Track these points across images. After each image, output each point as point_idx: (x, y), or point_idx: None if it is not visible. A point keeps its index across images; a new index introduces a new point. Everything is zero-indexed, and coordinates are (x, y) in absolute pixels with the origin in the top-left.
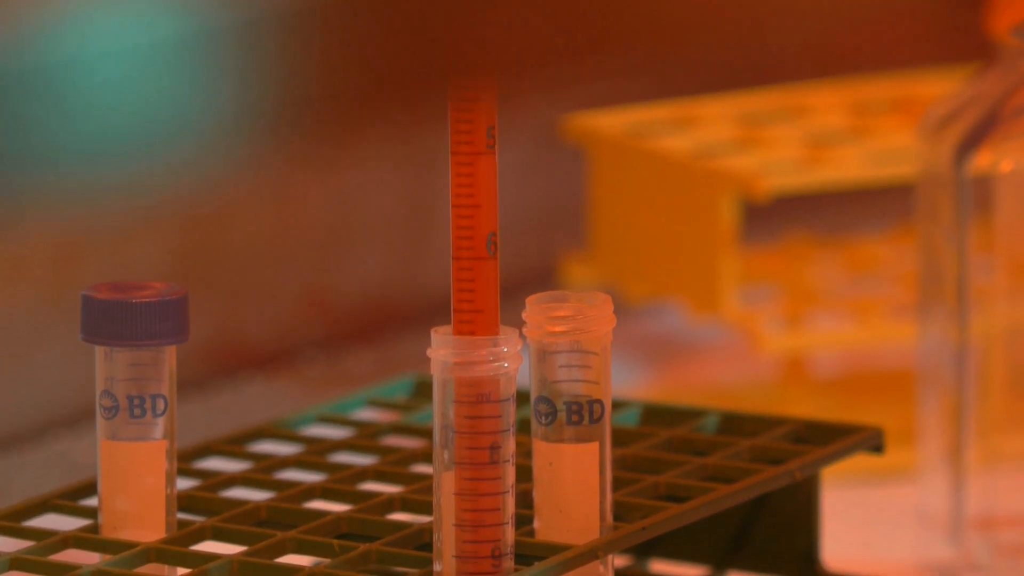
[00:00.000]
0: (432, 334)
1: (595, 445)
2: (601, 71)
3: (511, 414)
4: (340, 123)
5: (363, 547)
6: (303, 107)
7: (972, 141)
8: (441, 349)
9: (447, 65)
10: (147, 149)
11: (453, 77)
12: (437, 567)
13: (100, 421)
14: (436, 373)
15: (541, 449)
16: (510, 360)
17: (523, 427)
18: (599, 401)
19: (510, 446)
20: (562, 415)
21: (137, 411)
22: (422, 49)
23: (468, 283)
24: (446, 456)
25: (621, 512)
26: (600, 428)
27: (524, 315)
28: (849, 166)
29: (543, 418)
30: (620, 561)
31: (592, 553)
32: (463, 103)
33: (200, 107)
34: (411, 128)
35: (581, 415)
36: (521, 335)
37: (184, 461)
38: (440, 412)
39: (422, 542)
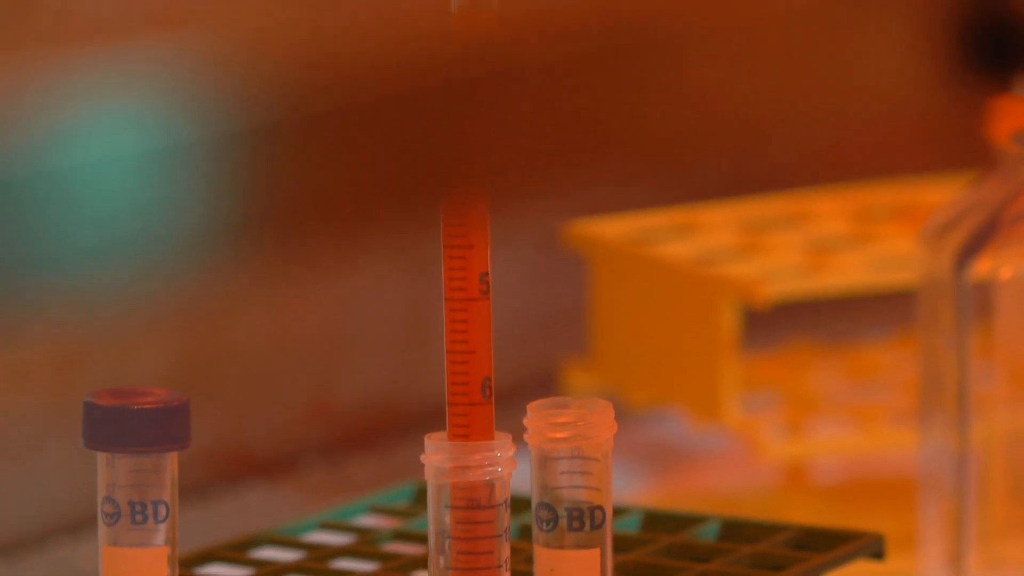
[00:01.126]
0: (426, 440)
1: (596, 551)
2: (602, 178)
3: (505, 519)
4: (339, 230)
5: None
6: (303, 214)
7: (973, 248)
8: (435, 455)
9: (441, 176)
10: (148, 256)
11: (447, 189)
12: None
13: (102, 527)
14: (430, 479)
15: (543, 555)
16: (504, 465)
17: (525, 533)
18: (600, 507)
19: (505, 551)
20: (563, 521)
21: (139, 517)
22: (417, 158)
23: (463, 428)
24: (442, 562)
25: None
26: (601, 534)
27: (525, 421)
28: (850, 272)
29: (544, 524)
30: None
31: None
32: (456, 249)
33: (201, 213)
34: (410, 235)
35: (582, 521)
36: (523, 441)
37: (186, 567)
38: (435, 518)
39: None
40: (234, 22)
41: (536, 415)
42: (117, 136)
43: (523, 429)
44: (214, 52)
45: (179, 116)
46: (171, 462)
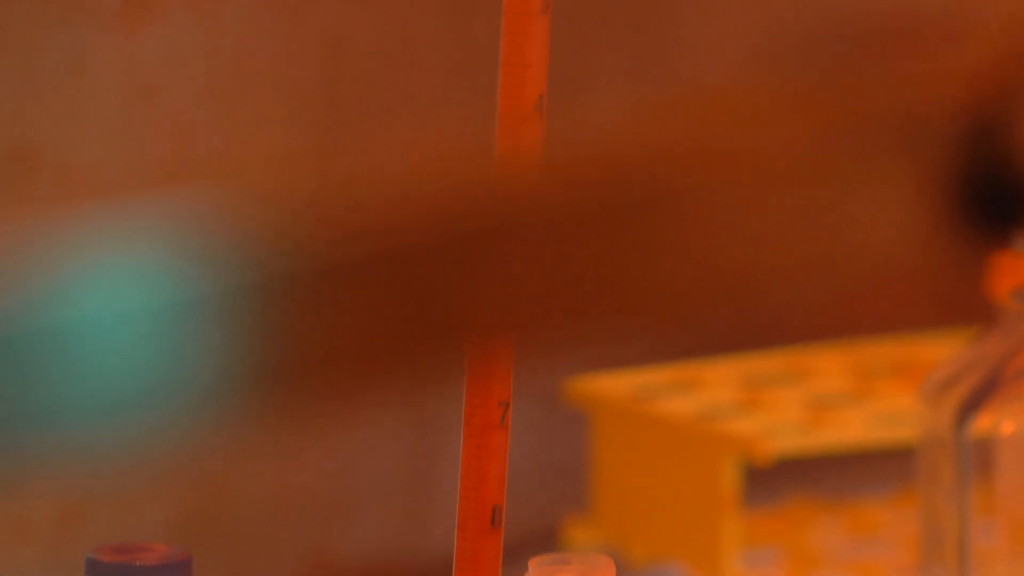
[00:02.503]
0: None
1: None
2: (603, 333)
3: None
4: (346, 384)
5: None
6: (309, 369)
7: (973, 404)
8: None
9: (458, 329)
10: (149, 411)
11: (462, 344)
12: None
13: None
14: None
15: None
16: None
17: None
18: None
19: None
20: None
21: None
22: (432, 311)
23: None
24: None
25: None
26: None
27: None
28: (851, 429)
29: None
30: None
31: None
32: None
33: (206, 369)
34: (413, 391)
35: None
36: None
37: None
38: None
39: None
40: (242, 176)
41: (538, 571)
42: (121, 291)
43: None
44: (221, 206)
45: (185, 271)
46: None
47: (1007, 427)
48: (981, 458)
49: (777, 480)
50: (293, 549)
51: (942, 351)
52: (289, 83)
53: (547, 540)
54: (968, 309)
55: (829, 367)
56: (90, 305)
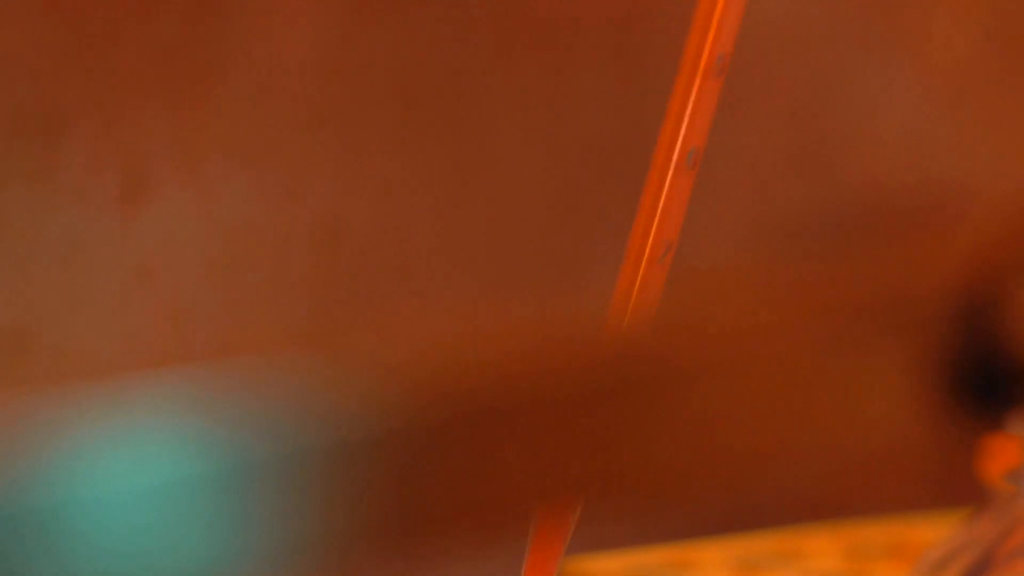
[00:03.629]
0: None
1: None
2: (597, 514)
3: None
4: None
5: None
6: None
7: None
8: None
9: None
10: None
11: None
12: None
13: None
14: None
15: None
16: None
17: None
18: None
19: None
20: None
21: None
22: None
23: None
24: None
25: None
26: None
27: None
28: None
29: None
30: None
31: None
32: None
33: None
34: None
35: None
36: None
37: None
38: None
39: None
40: (234, 356)
41: None
42: (117, 469)
43: None
44: (218, 385)
45: (184, 449)
46: None
47: None
48: None
49: None
50: None
51: (935, 532)
52: (284, 264)
53: None
54: (961, 491)
55: (822, 548)
56: (84, 482)
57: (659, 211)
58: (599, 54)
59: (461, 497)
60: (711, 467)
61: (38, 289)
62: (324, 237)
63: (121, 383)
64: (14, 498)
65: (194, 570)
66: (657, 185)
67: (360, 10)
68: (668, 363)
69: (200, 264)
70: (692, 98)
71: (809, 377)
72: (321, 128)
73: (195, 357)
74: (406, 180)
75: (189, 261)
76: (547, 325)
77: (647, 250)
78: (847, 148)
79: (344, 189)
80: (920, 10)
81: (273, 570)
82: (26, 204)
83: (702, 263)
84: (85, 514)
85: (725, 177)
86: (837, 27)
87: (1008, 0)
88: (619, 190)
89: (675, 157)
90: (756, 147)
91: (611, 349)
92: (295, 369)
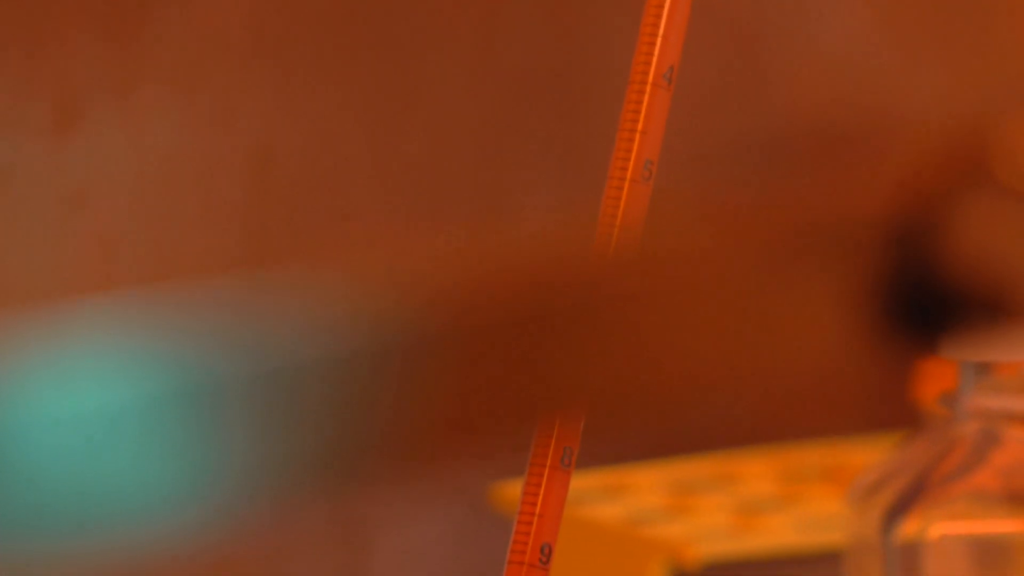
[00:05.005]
0: None
1: None
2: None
3: None
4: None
5: None
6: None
7: (900, 508)
8: None
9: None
10: (96, 523)
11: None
12: None
13: None
14: None
15: None
16: None
17: None
18: None
19: None
20: None
21: None
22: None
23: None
24: None
25: None
26: None
27: None
28: (778, 533)
29: None
30: None
31: None
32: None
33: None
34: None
35: None
36: None
37: None
38: None
39: None
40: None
41: None
42: (76, 392)
43: None
44: (177, 305)
45: (138, 370)
46: None
47: (934, 532)
48: (908, 562)
49: None
50: None
51: (869, 456)
52: (217, 192)
53: None
54: (895, 414)
55: (757, 472)
56: (40, 406)
57: (639, 131)
58: None
59: (414, 418)
60: (646, 391)
61: None
62: (257, 164)
63: (65, 307)
64: None
65: (153, 496)
66: (636, 103)
67: None
68: (603, 288)
69: (133, 191)
70: (665, 14)
71: (744, 302)
72: (254, 56)
73: (128, 283)
74: (339, 107)
75: (122, 188)
76: (487, 248)
77: (629, 171)
78: (787, 73)
79: (277, 116)
80: None
81: (242, 494)
82: None
83: None
84: (36, 440)
85: None
86: None
87: None
88: (551, 116)
89: (651, 75)
90: (694, 73)
91: (544, 274)
92: (258, 288)
